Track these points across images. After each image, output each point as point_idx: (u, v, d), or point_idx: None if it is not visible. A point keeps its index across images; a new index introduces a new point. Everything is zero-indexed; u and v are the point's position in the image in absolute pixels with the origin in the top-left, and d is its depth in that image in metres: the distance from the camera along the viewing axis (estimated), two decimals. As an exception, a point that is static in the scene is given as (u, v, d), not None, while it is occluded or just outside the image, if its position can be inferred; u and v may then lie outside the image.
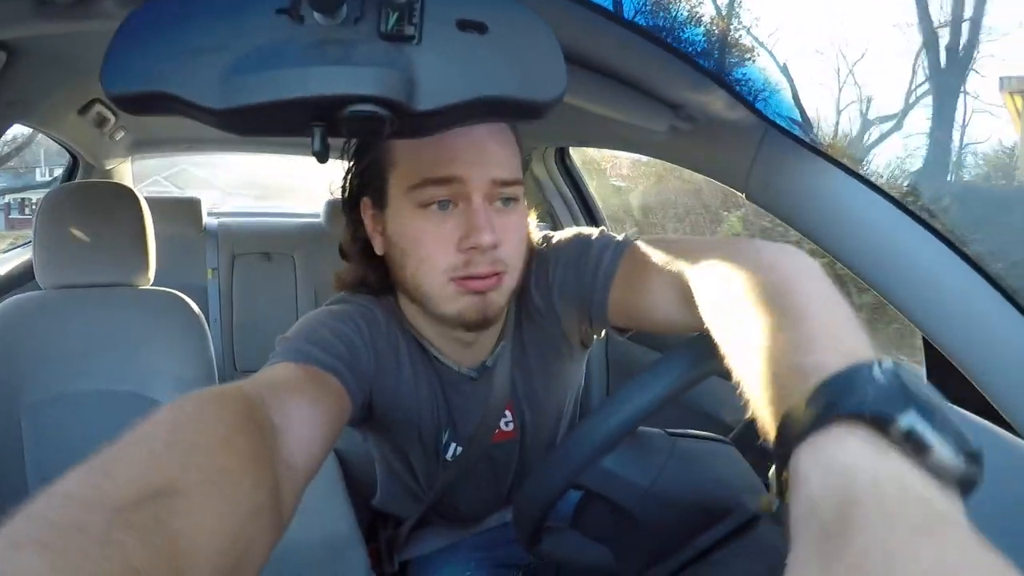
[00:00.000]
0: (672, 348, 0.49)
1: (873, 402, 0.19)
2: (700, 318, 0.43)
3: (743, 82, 0.62)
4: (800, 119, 0.68)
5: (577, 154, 1.63)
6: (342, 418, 0.55)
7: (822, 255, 0.65)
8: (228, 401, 0.37)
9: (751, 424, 0.32)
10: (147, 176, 4.24)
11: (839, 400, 0.20)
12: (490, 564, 0.84)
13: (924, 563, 0.16)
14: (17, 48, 0.81)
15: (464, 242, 0.57)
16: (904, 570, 0.16)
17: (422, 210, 0.58)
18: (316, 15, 0.36)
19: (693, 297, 0.46)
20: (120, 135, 1.60)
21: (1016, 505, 0.39)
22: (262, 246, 2.11)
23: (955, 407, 0.20)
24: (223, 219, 2.21)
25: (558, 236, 0.70)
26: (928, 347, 0.68)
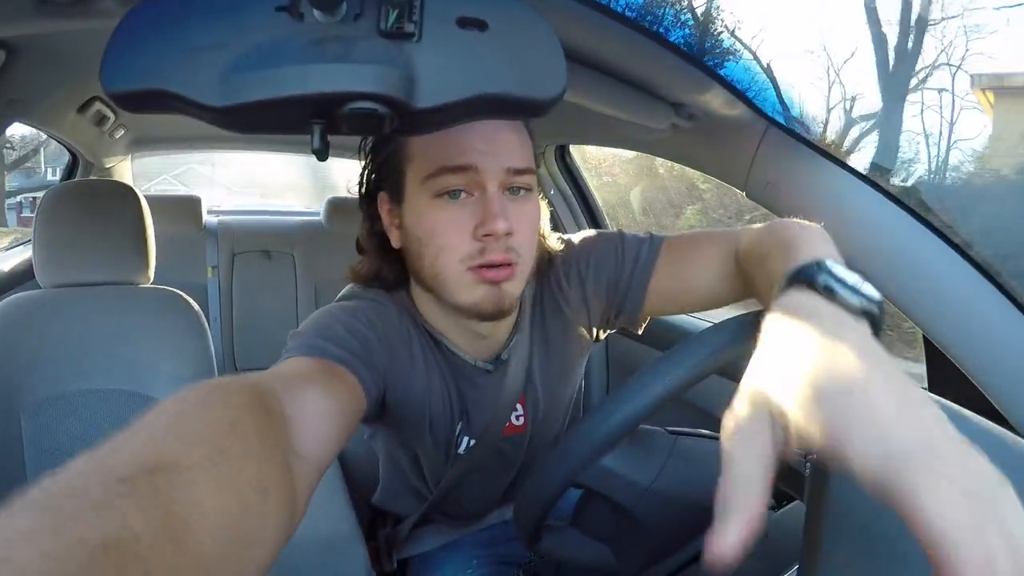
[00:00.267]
0: (672, 346, 0.49)
1: (807, 274, 0.36)
2: (740, 288, 0.61)
3: (743, 80, 0.62)
4: (800, 116, 0.68)
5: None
6: (356, 413, 0.54)
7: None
8: (235, 387, 0.37)
9: None
10: (156, 175, 4.29)
11: (794, 277, 0.37)
12: (490, 562, 0.85)
13: (828, 332, 0.30)
14: (17, 46, 0.81)
15: (480, 229, 0.58)
16: (815, 332, 0.31)
17: (438, 200, 0.59)
18: (316, 12, 0.36)
19: (733, 270, 0.60)
20: (119, 133, 1.61)
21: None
22: (262, 244, 2.11)
23: (861, 279, 0.35)
24: (223, 217, 2.21)
25: (582, 235, 0.75)
26: (929, 346, 0.68)
